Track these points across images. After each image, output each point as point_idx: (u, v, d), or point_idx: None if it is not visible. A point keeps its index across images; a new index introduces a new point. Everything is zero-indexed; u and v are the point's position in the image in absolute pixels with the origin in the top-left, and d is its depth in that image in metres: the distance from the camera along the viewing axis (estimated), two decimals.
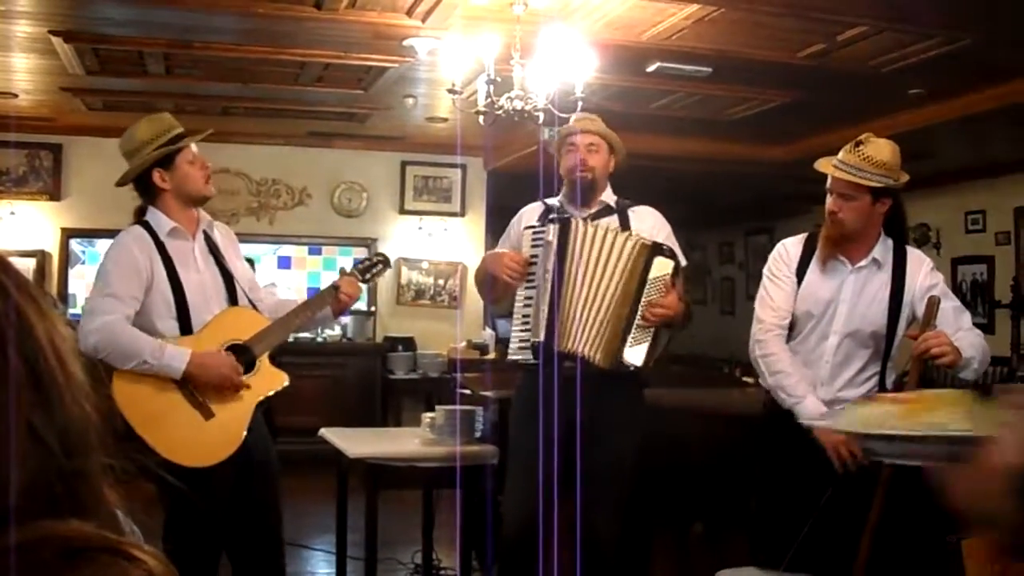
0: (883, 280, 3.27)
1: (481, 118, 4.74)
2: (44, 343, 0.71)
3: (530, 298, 3.50)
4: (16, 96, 7.36)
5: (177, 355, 3.13)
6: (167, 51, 6.14)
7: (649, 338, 3.44)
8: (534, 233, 3.57)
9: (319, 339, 8.74)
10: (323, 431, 4.40)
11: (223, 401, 3.20)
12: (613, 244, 3.48)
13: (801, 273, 3.33)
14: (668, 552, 4.69)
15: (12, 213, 8.43)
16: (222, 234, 3.50)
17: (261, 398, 3.27)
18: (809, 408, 3.18)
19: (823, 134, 7.71)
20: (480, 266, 3.83)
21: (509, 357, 3.55)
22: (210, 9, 5.25)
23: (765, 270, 3.44)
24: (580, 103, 4.49)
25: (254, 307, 3.42)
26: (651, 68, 6.15)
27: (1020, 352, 8.25)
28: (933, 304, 3.10)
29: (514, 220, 3.81)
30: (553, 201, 3.75)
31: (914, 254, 3.35)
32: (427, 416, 4.27)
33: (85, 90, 7.20)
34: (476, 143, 8.84)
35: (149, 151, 3.27)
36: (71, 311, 8.40)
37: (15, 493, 0.65)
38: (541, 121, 4.74)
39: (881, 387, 3.29)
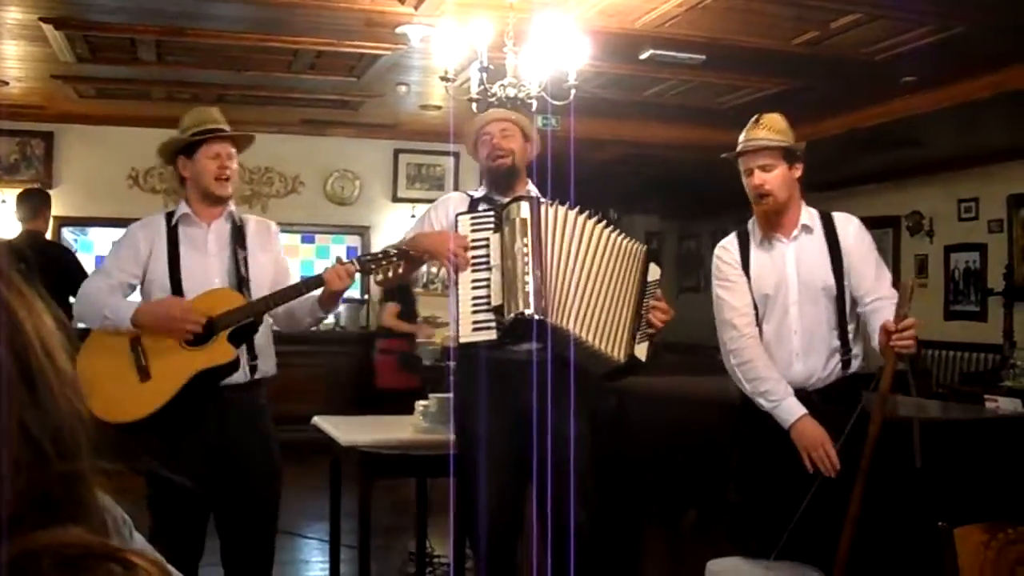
0: (819, 242, 3.38)
1: (474, 105, 4.73)
2: (32, 337, 0.69)
3: (480, 281, 3.38)
4: (7, 84, 7.33)
5: (128, 306, 3.21)
6: (159, 38, 6.12)
7: (648, 338, 3.49)
8: (473, 218, 3.47)
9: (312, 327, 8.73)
10: (316, 419, 4.40)
11: (163, 365, 3.20)
12: (595, 231, 3.44)
13: (745, 266, 3.45)
14: (661, 539, 4.71)
15: (3, 201, 8.39)
16: (256, 228, 3.50)
17: (201, 368, 3.21)
18: (789, 409, 3.24)
19: (817, 122, 7.72)
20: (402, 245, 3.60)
21: (463, 340, 3.37)
22: None
23: (713, 280, 3.54)
24: (573, 91, 4.48)
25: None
26: (644, 55, 6.15)
27: (1012, 340, 8.28)
28: (907, 289, 3.16)
29: (434, 208, 3.70)
30: (474, 193, 3.72)
31: (839, 215, 3.46)
32: (420, 404, 4.27)
33: (76, 78, 7.17)
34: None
35: (181, 137, 3.37)
36: None
37: (11, 500, 0.63)
38: (534, 109, 4.73)
39: (844, 347, 3.34)
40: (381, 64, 6.64)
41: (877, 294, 3.30)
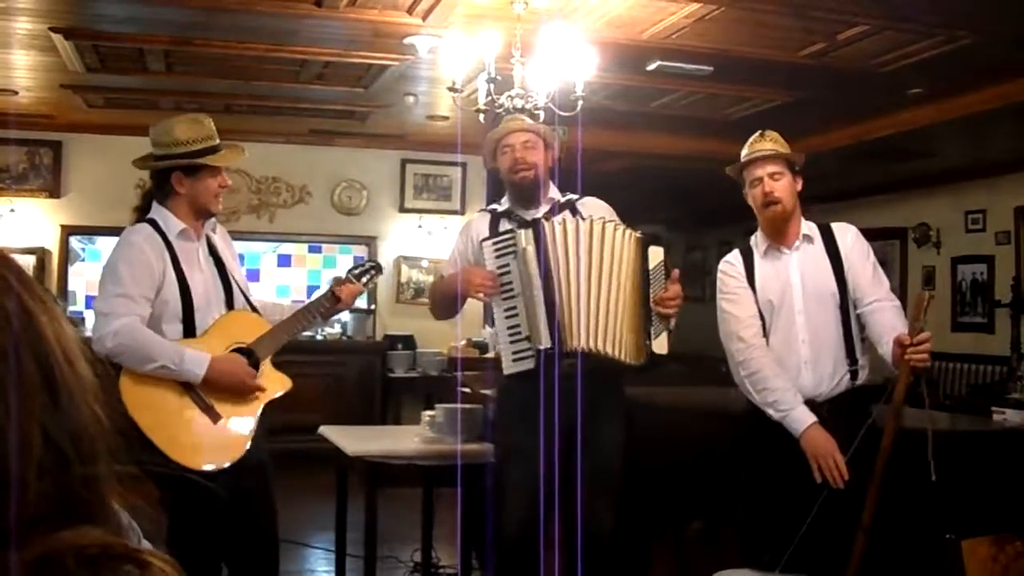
0: (820, 251, 3.45)
1: (481, 116, 4.74)
2: (53, 343, 0.70)
3: (511, 309, 3.41)
4: (16, 93, 7.36)
5: (197, 360, 3.09)
6: (167, 48, 6.14)
7: (666, 328, 3.46)
8: (495, 243, 3.46)
9: (319, 337, 8.74)
10: (323, 429, 4.40)
11: (230, 404, 3.17)
12: (594, 234, 3.44)
13: (751, 278, 3.48)
14: (667, 550, 4.69)
15: (12, 210, 8.42)
16: (220, 236, 3.46)
17: (269, 400, 3.24)
18: (799, 418, 3.25)
19: (823, 133, 7.72)
20: (439, 285, 3.74)
21: (506, 372, 3.43)
22: (211, 6, 5.25)
23: (719, 294, 3.56)
24: (580, 101, 4.49)
25: (253, 309, 3.41)
26: (652, 67, 6.15)
27: (1020, 351, 8.26)
28: (921, 301, 3.13)
29: (460, 236, 3.74)
30: (498, 207, 3.70)
31: (837, 224, 3.54)
32: (427, 414, 4.27)
33: (85, 87, 7.20)
34: (476, 141, 8.81)
35: (179, 151, 3.22)
36: (71, 308, 8.41)
37: (34, 501, 0.65)
38: (542, 120, 4.74)
39: (851, 358, 3.37)
40: (389, 75, 6.66)
41: (875, 295, 3.35)
